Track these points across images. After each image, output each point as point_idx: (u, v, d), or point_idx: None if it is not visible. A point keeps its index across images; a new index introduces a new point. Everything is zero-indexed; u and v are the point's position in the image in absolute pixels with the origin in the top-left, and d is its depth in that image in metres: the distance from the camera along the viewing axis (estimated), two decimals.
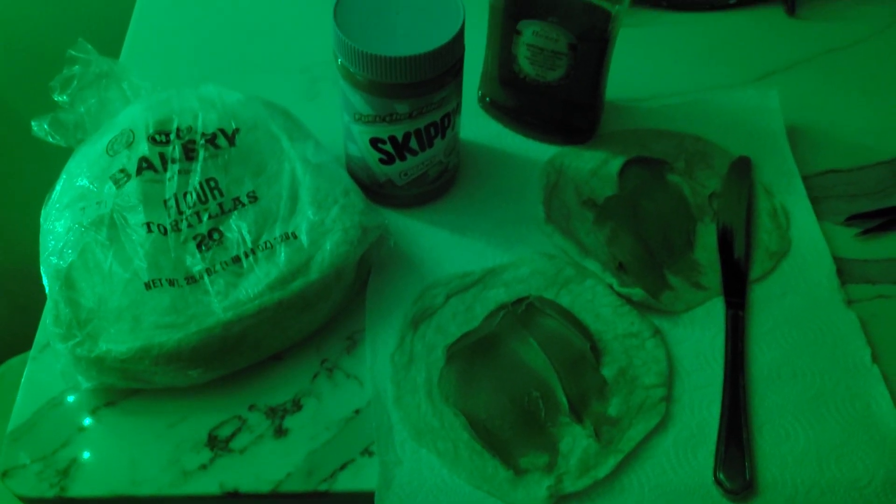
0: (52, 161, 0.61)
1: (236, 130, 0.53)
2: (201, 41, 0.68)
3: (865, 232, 0.57)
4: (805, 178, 0.60)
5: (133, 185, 0.49)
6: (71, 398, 0.48)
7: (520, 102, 0.61)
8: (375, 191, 0.56)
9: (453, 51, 0.49)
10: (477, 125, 0.62)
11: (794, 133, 0.62)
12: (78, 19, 0.87)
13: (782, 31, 0.70)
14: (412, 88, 0.49)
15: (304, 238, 0.49)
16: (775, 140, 0.62)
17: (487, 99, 0.63)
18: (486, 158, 0.60)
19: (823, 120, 0.64)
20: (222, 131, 0.53)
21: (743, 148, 0.61)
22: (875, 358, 0.51)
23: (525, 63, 0.57)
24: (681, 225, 0.57)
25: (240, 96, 0.55)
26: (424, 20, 0.49)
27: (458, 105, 0.54)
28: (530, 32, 0.55)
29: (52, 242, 0.49)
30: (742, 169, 0.60)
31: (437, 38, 0.48)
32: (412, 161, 0.54)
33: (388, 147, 0.52)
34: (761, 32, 0.70)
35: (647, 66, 0.67)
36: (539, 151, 0.61)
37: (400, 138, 0.52)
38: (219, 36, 0.68)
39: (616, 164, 0.60)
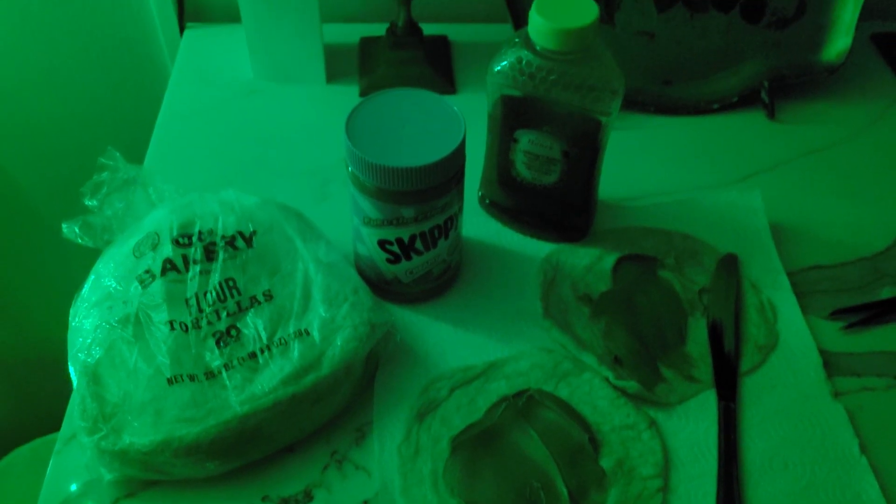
0: (72, 257, 0.64)
1: (254, 233, 0.56)
2: (220, 147, 0.72)
3: (850, 326, 0.60)
4: (790, 274, 0.63)
5: (157, 285, 0.53)
6: (93, 490, 0.50)
7: (518, 203, 0.65)
8: (383, 288, 0.60)
9: (455, 161, 0.53)
10: (478, 224, 0.66)
11: (778, 231, 0.66)
12: (103, 126, 0.93)
13: (764, 134, 0.75)
14: (417, 195, 0.53)
15: (316, 334, 0.52)
16: (760, 238, 0.65)
17: (487, 200, 0.67)
18: (486, 256, 0.64)
19: (806, 218, 0.67)
20: (241, 233, 0.56)
21: (730, 245, 0.65)
22: (863, 449, 0.53)
23: (522, 168, 0.61)
24: (673, 319, 0.60)
25: (257, 200, 0.59)
26: (428, 132, 0.53)
27: (460, 208, 0.58)
28: (526, 140, 0.60)
29: (80, 339, 0.52)
30: (729, 265, 0.63)
31: (440, 150, 0.52)
32: (417, 260, 0.57)
33: (395, 248, 0.56)
34: (744, 135, 0.75)
35: (638, 168, 0.71)
36: (536, 249, 0.65)
37: (406, 240, 0.55)
38: (236, 142, 0.73)
39: (610, 260, 0.63)
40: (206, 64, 0.80)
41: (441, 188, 0.53)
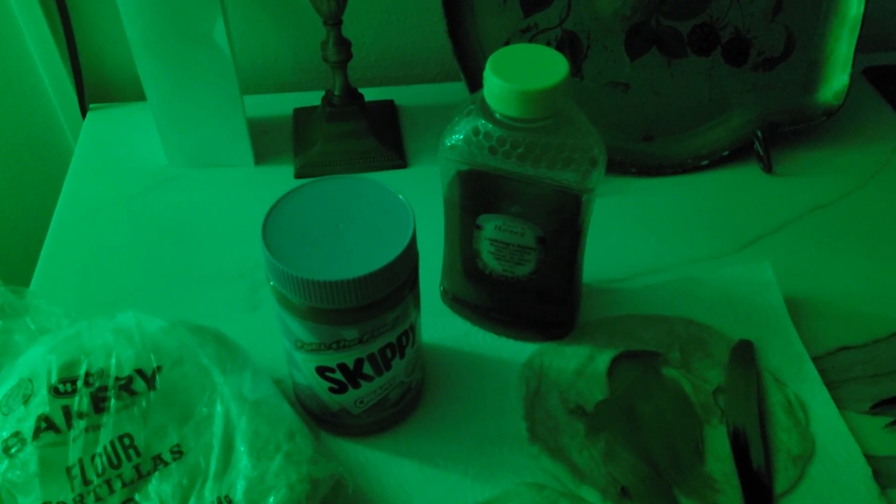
0: None
1: (157, 369, 0.45)
2: (128, 251, 0.60)
3: None
4: (816, 360, 0.53)
5: (28, 453, 0.41)
6: None
7: (488, 298, 0.54)
8: (328, 420, 0.48)
9: (405, 264, 0.42)
10: (441, 325, 0.55)
11: (794, 306, 0.56)
12: None
13: (762, 190, 0.65)
14: (360, 312, 0.41)
15: (241, 501, 0.41)
16: (776, 318, 0.55)
17: (451, 295, 0.56)
18: (454, 365, 0.53)
19: (825, 288, 0.57)
20: (140, 372, 0.44)
21: (741, 330, 0.54)
22: None
23: (490, 259, 0.51)
24: (686, 430, 0.49)
25: (163, 323, 0.47)
26: (369, 231, 0.42)
27: (418, 318, 0.47)
28: (492, 227, 0.49)
29: None
30: (745, 355, 0.53)
31: (384, 252, 0.41)
32: (368, 387, 0.46)
33: (338, 375, 0.45)
34: (740, 193, 0.65)
35: (623, 241, 0.61)
36: (514, 351, 0.54)
37: (351, 365, 0.44)
38: (147, 243, 0.61)
39: (603, 360, 0.52)
40: (111, 151, 0.69)
41: (390, 300, 0.42)
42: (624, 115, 0.67)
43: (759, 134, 0.66)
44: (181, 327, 0.48)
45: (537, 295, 0.52)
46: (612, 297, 0.57)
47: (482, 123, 0.45)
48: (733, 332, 0.54)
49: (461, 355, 0.53)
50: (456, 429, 0.49)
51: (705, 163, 0.67)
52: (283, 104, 0.73)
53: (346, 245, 0.41)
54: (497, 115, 0.45)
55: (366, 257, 0.41)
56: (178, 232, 0.62)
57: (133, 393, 0.44)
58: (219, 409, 0.44)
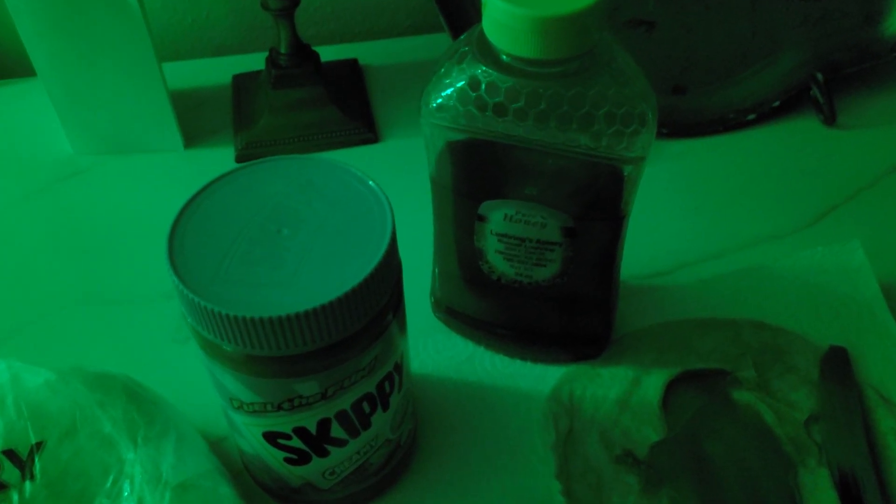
0: None
1: (38, 445, 0.32)
2: (17, 271, 0.46)
3: None
4: None
5: None
6: None
7: (497, 310, 0.41)
8: (288, 497, 0.35)
9: (382, 282, 0.28)
10: (434, 348, 0.42)
11: (890, 297, 0.43)
12: None
13: (825, 147, 0.53)
14: (321, 358, 0.28)
15: None
16: (872, 314, 0.42)
17: (446, 307, 0.42)
18: (455, 404, 0.40)
19: None
20: (11, 454, 0.31)
21: (829, 332, 0.42)
22: None
23: (498, 260, 0.37)
24: (775, 477, 0.37)
25: (49, 375, 0.34)
26: (327, 236, 0.29)
27: (405, 350, 0.33)
28: (500, 217, 0.35)
29: None
30: (840, 367, 0.40)
31: (352, 267, 0.27)
32: (340, 454, 0.32)
33: (296, 443, 0.31)
34: (798, 152, 0.52)
35: (661, 221, 0.48)
36: (534, 379, 0.40)
37: (313, 429, 0.31)
38: (46, 257, 0.47)
39: (653, 385, 0.39)
40: (5, 139, 0.55)
41: (364, 335, 0.29)
42: (649, 62, 0.53)
43: (820, 77, 0.53)
44: (76, 380, 0.34)
45: (563, 304, 0.39)
46: (655, 297, 0.44)
47: (483, 71, 0.32)
48: (819, 335, 0.42)
49: (463, 388, 0.40)
50: (462, 495, 0.36)
51: (752, 117, 0.54)
52: (220, 70, 0.58)
53: (294, 260, 0.28)
54: (504, 58, 0.31)
55: (324, 277, 0.27)
56: (87, 240, 0.48)
57: (1, 487, 0.30)
58: (127, 500, 0.31)
